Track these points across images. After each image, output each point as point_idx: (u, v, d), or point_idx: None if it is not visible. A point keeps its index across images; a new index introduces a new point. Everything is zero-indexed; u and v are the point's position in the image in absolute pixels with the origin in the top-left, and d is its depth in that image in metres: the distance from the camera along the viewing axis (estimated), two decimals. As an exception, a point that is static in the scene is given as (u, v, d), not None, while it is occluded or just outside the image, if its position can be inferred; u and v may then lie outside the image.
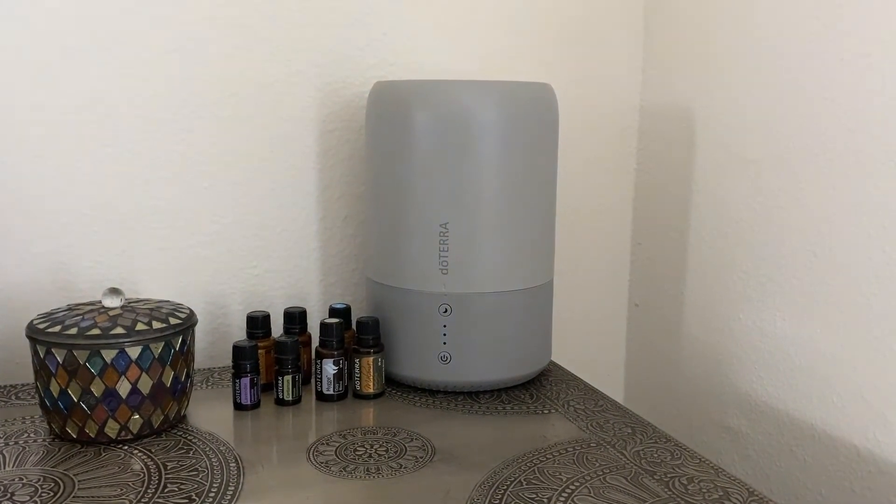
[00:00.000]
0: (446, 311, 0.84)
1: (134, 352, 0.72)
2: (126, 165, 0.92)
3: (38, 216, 0.90)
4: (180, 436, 0.75)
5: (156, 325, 0.73)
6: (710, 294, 1.02)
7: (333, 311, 0.90)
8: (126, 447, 0.73)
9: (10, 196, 0.89)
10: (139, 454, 0.71)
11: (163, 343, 0.73)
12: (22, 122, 0.88)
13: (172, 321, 0.75)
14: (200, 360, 0.98)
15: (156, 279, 0.95)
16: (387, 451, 0.72)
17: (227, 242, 0.98)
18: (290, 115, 0.98)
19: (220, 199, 0.97)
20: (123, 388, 0.72)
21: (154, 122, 0.93)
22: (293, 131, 0.99)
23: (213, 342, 0.99)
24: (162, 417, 0.75)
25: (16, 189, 0.89)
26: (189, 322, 0.77)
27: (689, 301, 1.06)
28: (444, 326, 0.84)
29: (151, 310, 0.76)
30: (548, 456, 0.71)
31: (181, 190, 0.95)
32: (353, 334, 0.89)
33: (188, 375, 0.77)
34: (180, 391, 0.76)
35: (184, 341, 0.76)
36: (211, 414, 0.81)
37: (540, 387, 0.89)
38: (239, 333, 0.98)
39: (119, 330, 0.71)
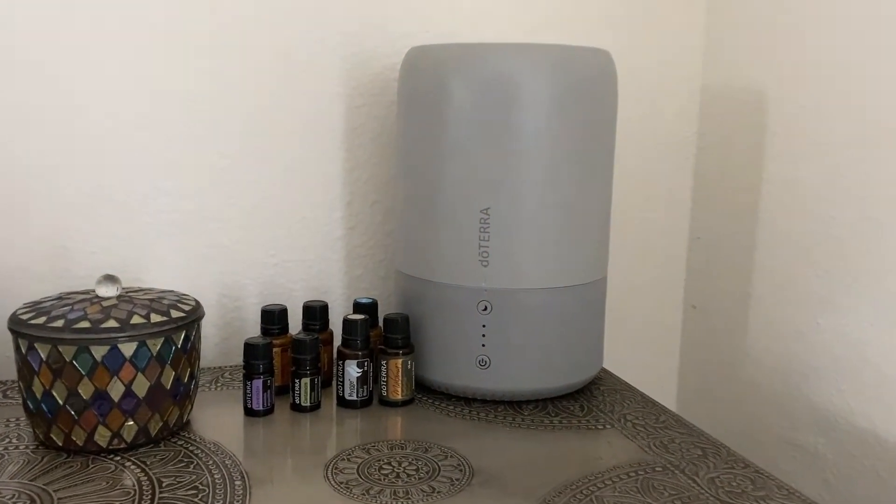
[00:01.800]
0: (486, 308, 0.73)
1: (128, 348, 0.62)
2: (132, 143, 0.83)
3: (35, 198, 0.81)
4: (181, 446, 0.66)
5: (155, 318, 0.64)
6: (781, 296, 0.91)
7: (358, 307, 0.81)
8: (118, 458, 0.63)
9: (5, 177, 0.80)
10: (132, 467, 0.62)
11: (162, 339, 0.64)
12: (20, 91, 0.79)
13: (174, 314, 0.65)
14: (211, 357, 0.89)
15: (163, 268, 0.86)
16: (417, 470, 0.62)
17: (242, 229, 0.89)
18: (312, 89, 0.88)
19: (236, 182, 0.87)
20: (116, 390, 0.62)
21: (164, 95, 0.84)
22: (316, 107, 0.89)
23: (226, 338, 0.90)
24: (160, 424, 0.65)
25: (12, 169, 0.80)
26: (194, 315, 0.67)
27: (756, 303, 0.95)
28: (484, 326, 0.73)
29: (151, 301, 0.67)
30: (606, 482, 0.61)
31: (193, 170, 0.86)
32: (380, 333, 0.79)
33: (192, 376, 0.68)
34: (182, 394, 0.67)
35: (187, 337, 0.66)
36: (218, 420, 0.71)
37: (591, 397, 0.78)
38: (254, 329, 0.88)
39: (111, 323, 0.62)
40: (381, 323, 0.79)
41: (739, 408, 0.98)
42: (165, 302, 0.67)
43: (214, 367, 0.85)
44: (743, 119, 0.96)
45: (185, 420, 0.68)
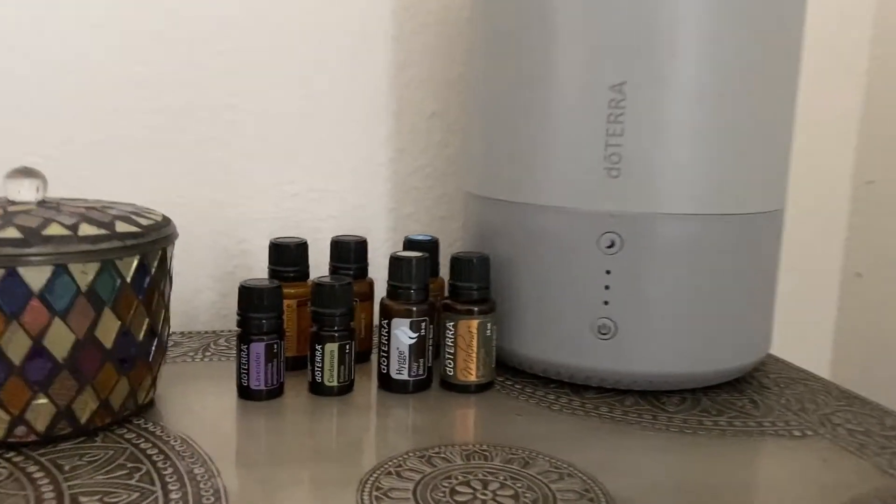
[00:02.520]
0: (612, 244, 0.47)
1: (37, 276, 0.37)
2: (89, 8, 0.59)
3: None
4: (129, 441, 0.41)
5: (86, 230, 0.39)
6: None
7: (412, 245, 0.55)
8: (20, 458, 0.39)
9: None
10: (37, 473, 0.37)
11: (98, 265, 0.39)
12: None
13: (122, 228, 0.40)
14: (205, 319, 0.65)
15: (134, 191, 0.61)
16: (516, 497, 0.36)
17: (252, 142, 0.64)
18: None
19: (243, 76, 0.63)
20: (16, 344, 0.38)
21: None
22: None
23: (226, 294, 0.65)
24: (96, 406, 0.41)
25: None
26: (157, 234, 0.42)
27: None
28: (608, 273, 0.48)
29: (89, 208, 0.42)
30: (857, 531, 0.35)
31: (180, 52, 0.61)
32: (442, 284, 0.54)
33: (153, 333, 0.43)
34: (136, 359, 0.42)
35: (143, 268, 0.41)
36: (196, 404, 0.47)
37: (761, 389, 0.52)
38: (264, 282, 0.63)
39: (11, 232, 0.37)
40: (447, 271, 0.54)
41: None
42: (112, 212, 0.42)
43: (207, 333, 0.60)
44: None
45: (141, 401, 0.44)
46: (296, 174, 0.65)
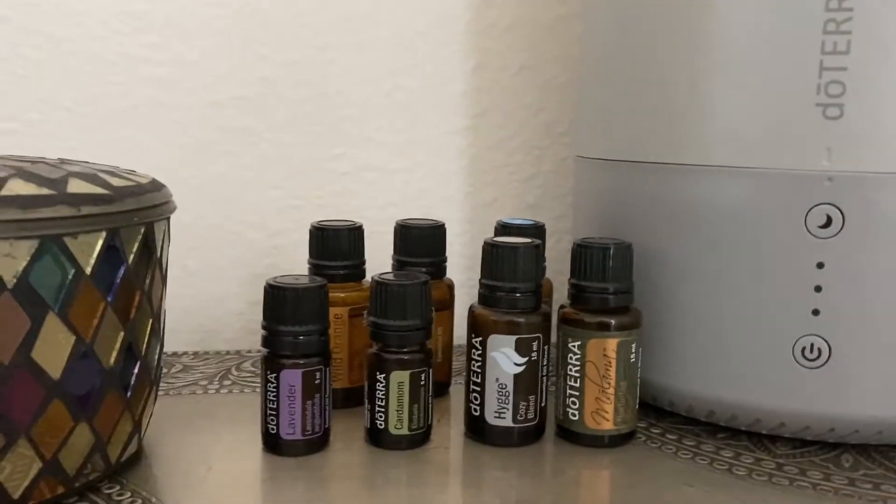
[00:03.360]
0: (827, 222, 0.31)
1: (-73, 261, 0.23)
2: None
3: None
4: (85, 528, 0.26)
5: (16, 188, 0.24)
6: None
7: (507, 231, 0.40)
8: None
9: None
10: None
11: (33, 244, 0.24)
12: None
13: (76, 189, 0.26)
14: (230, 336, 0.50)
15: (133, 166, 0.47)
16: None
17: (288, 105, 0.49)
18: None
19: (277, 17, 0.48)
20: None
21: None
22: None
23: (256, 303, 0.50)
24: (38, 468, 0.26)
25: None
26: (138, 202, 0.27)
27: None
28: (819, 267, 0.31)
29: (35, 163, 0.28)
30: None
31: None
32: (550, 289, 0.38)
33: (133, 356, 0.28)
34: (103, 395, 0.27)
35: (114, 252, 0.27)
36: (199, 462, 0.32)
37: None
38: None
39: None
40: (567, 266, 0.39)
41: None
42: (71, 168, 0.28)
43: (229, 354, 0.46)
44: None
45: (115, 459, 0.29)
46: (345, 147, 0.50)
